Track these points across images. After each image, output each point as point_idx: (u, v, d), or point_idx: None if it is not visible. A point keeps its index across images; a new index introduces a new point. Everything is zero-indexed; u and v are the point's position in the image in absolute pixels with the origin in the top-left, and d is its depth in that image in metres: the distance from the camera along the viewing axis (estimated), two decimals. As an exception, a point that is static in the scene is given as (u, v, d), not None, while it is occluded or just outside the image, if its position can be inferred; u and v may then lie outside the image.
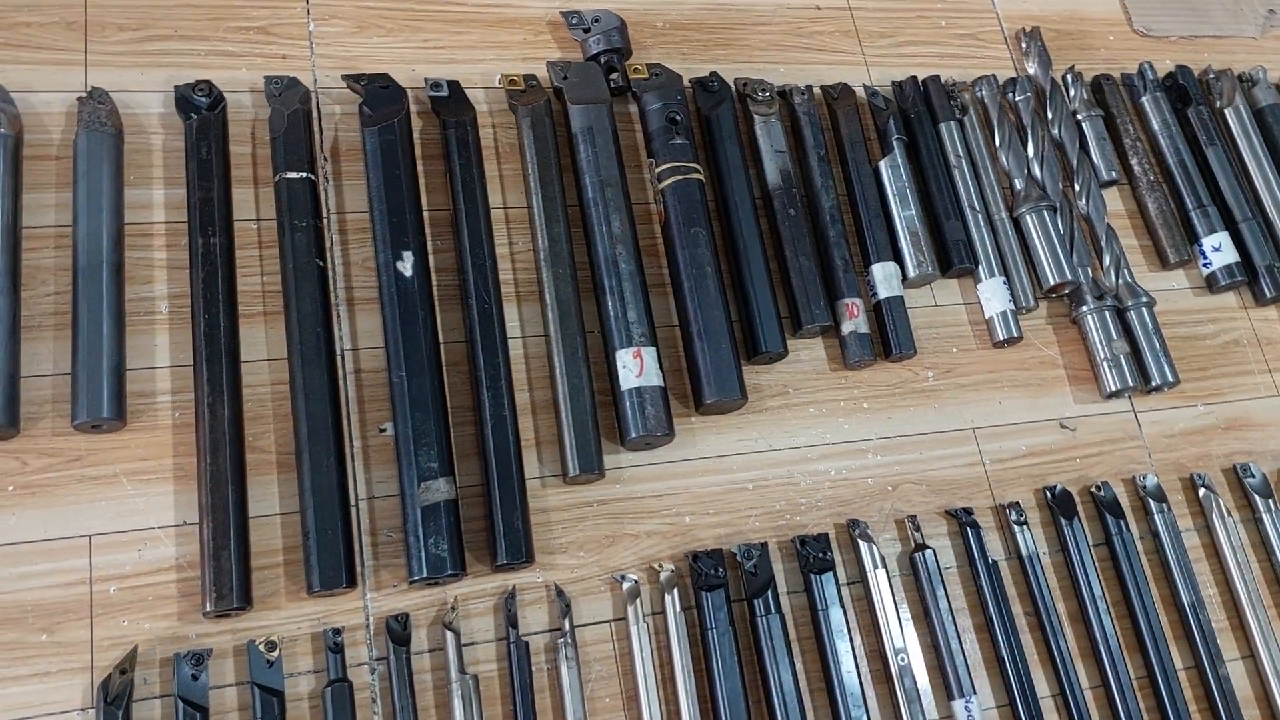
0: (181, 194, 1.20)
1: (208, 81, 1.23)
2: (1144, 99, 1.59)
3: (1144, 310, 1.42)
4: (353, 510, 1.12)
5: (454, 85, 1.31)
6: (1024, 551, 1.28)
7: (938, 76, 1.51)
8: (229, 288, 1.15)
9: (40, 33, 1.24)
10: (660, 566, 1.18)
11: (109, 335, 1.10)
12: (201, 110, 1.22)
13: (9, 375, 1.07)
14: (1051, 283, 1.41)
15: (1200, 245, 1.51)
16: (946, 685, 1.20)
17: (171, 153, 1.23)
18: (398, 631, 1.09)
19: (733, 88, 1.43)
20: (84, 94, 1.20)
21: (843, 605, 1.19)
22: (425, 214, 1.26)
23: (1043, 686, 1.24)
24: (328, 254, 1.22)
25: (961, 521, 1.28)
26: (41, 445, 1.08)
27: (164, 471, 1.10)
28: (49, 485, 1.07)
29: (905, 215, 1.39)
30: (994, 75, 1.54)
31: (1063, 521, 1.31)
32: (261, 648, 1.05)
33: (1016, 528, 1.29)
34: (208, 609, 1.03)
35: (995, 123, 1.50)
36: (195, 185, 1.18)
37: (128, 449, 1.10)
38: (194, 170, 1.19)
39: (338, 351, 1.18)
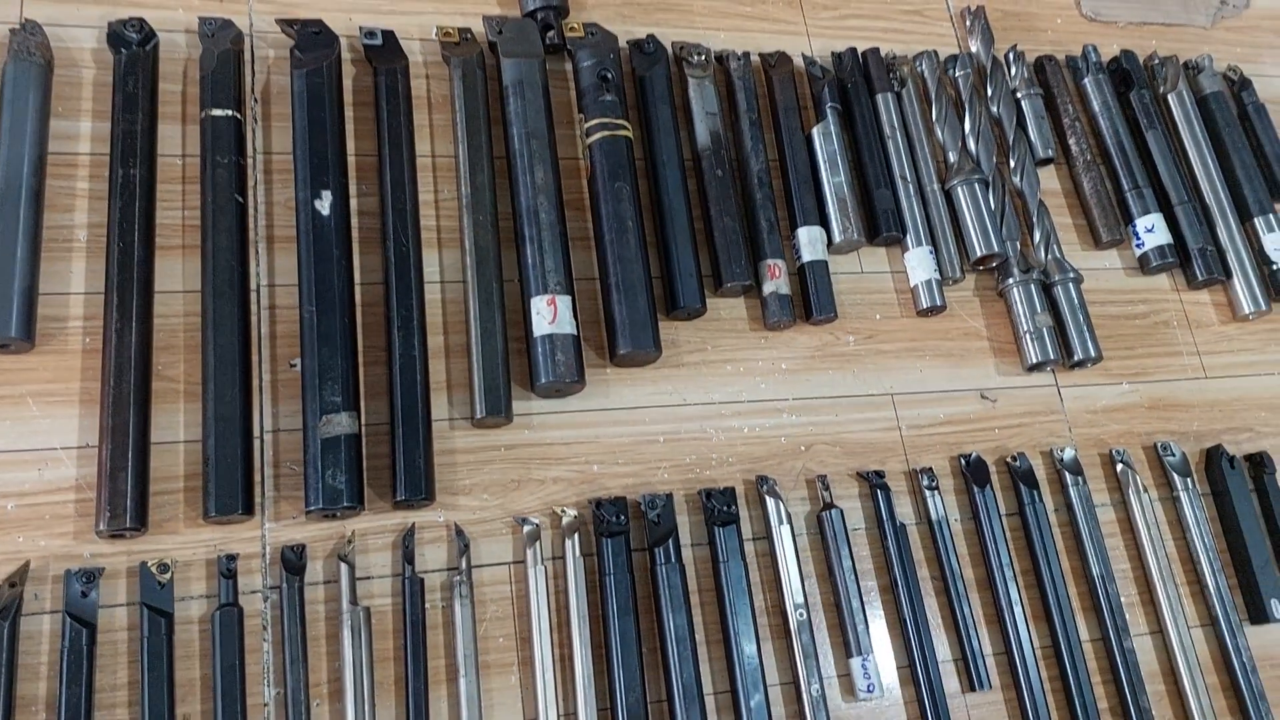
0: (108, 128, 1.21)
1: (140, 19, 1.24)
2: (1086, 80, 1.60)
3: (1070, 286, 1.43)
4: (256, 442, 1.13)
5: (388, 35, 1.33)
6: (934, 516, 1.29)
7: (877, 49, 1.52)
8: (146, 218, 1.16)
9: (-22, -35, 1.26)
10: (562, 511, 1.18)
11: (22, 258, 1.11)
12: (132, 46, 1.23)
13: (-80, 292, 1.08)
14: (979, 254, 1.42)
15: (1134, 226, 1.52)
16: (846, 644, 1.20)
17: (101, 87, 1.24)
18: (293, 561, 1.10)
19: (669, 51, 1.44)
20: (16, 26, 1.22)
21: (744, 559, 1.19)
22: (352, 159, 1.28)
23: (944, 650, 1.24)
24: (250, 192, 1.24)
25: (872, 484, 1.29)
26: (-51, 363, 1.10)
27: (70, 395, 1.12)
28: (-46, 402, 1.09)
29: (834, 181, 1.40)
30: (935, 51, 1.55)
31: (975, 489, 1.31)
32: (153, 569, 1.06)
33: (928, 492, 1.30)
34: (100, 528, 1.04)
35: (933, 97, 1.51)
36: (120, 118, 1.19)
37: (35, 371, 1.12)
38: (119, 103, 1.20)
39: (253, 287, 1.20)
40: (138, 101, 1.20)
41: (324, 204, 1.20)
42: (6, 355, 1.11)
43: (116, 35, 1.24)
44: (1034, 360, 1.39)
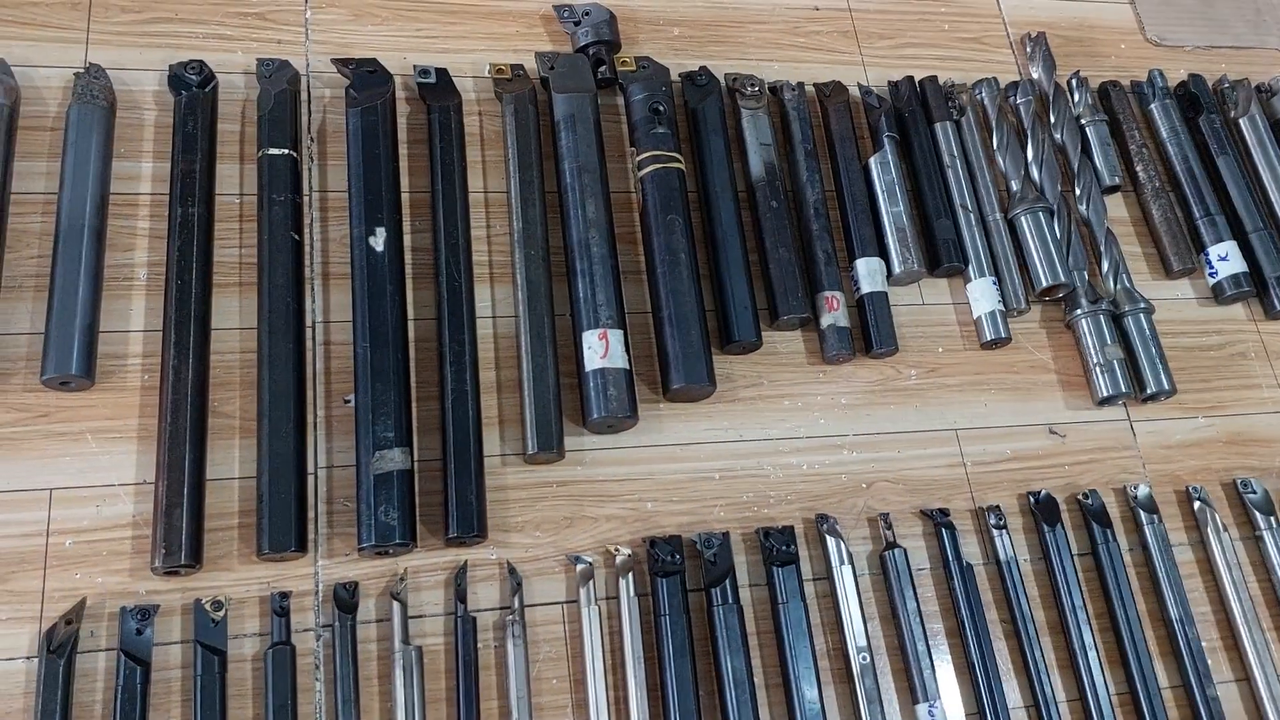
0: (169, 168, 1.23)
1: (200, 61, 1.27)
2: (1152, 106, 1.56)
3: (1141, 316, 1.38)
4: (310, 478, 1.13)
5: (442, 73, 1.34)
6: (1002, 557, 1.24)
7: (935, 77, 1.49)
8: (204, 256, 1.17)
9: (46, 12, 1.29)
10: (616, 550, 1.16)
11: (84, 296, 1.12)
12: (193, 88, 1.25)
13: (-16, 331, 1.10)
14: (1044, 284, 1.38)
15: (1207, 254, 1.46)
16: (911, 689, 1.16)
17: (163, 129, 1.26)
18: (345, 599, 1.09)
19: (722, 83, 1.43)
20: (81, 70, 1.24)
21: (804, 600, 1.16)
22: (406, 196, 1.28)
23: (1015, 697, 1.19)
24: (306, 229, 1.24)
25: (937, 522, 1.25)
26: (11, 400, 1.11)
27: (129, 431, 1.12)
28: (15, 439, 1.10)
29: (893, 211, 1.37)
30: (994, 78, 1.52)
31: (1045, 528, 1.26)
32: (207, 606, 1.05)
33: (995, 532, 1.25)
34: (156, 564, 1.04)
35: (994, 124, 1.48)
36: (179, 158, 1.21)
37: (95, 408, 1.13)
38: (179, 143, 1.22)
39: (308, 324, 1.20)
40: (197, 142, 1.22)
41: (378, 240, 1.20)
42: (67, 392, 1.12)
43: (177, 78, 1.26)
44: (1105, 394, 1.34)
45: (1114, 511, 1.31)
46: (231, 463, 1.13)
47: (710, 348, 1.24)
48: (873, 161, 1.40)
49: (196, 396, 1.11)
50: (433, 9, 1.42)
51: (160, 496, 1.06)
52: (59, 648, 1.01)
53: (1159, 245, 1.48)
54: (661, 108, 1.34)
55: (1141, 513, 1.30)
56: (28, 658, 1.02)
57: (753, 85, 1.41)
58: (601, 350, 1.19)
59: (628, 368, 1.20)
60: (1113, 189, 1.50)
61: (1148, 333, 1.38)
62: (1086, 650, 1.21)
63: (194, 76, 1.26)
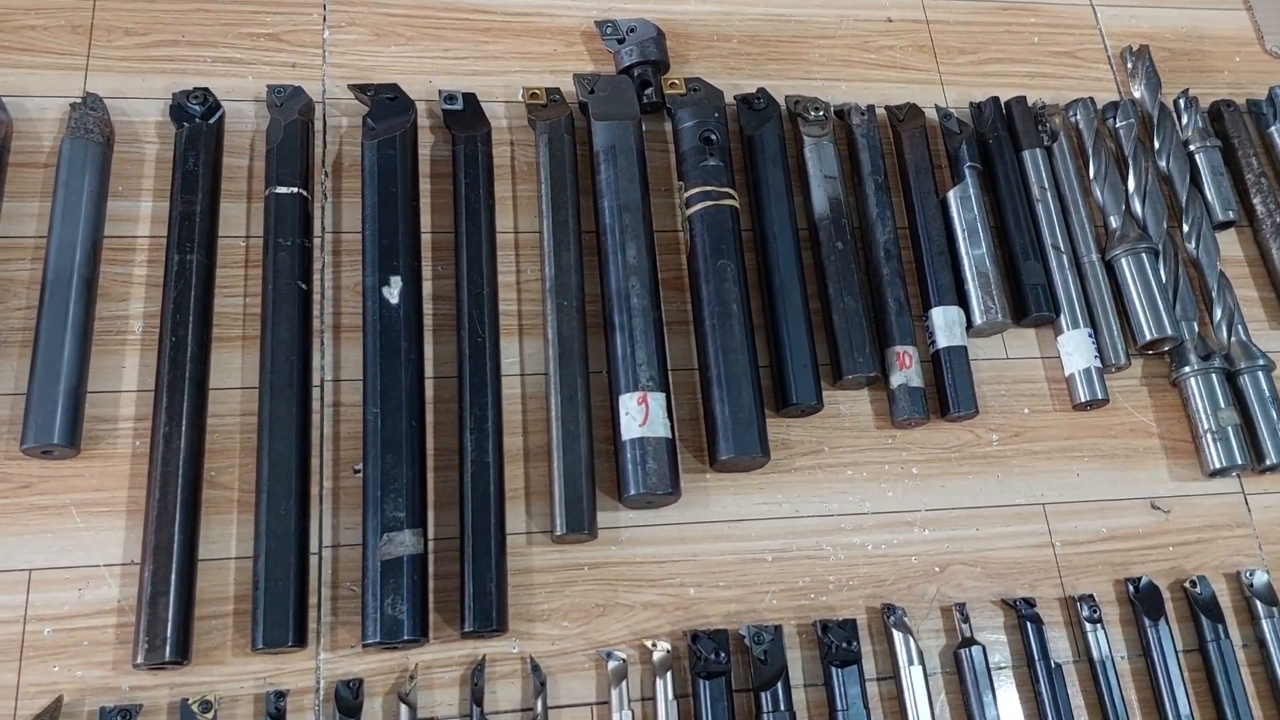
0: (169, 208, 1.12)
1: (204, 89, 1.16)
2: (1273, 128, 1.37)
3: (1260, 374, 1.21)
4: (313, 559, 1.02)
5: (470, 98, 1.21)
6: (1096, 655, 1.08)
7: (1023, 98, 1.33)
8: (202, 308, 1.07)
9: (44, 36, 1.19)
10: (654, 645, 1.03)
11: (70, 355, 1.02)
12: (195, 119, 1.14)
13: (-39, 393, 1.00)
14: (1148, 338, 1.21)
15: (1336, 300, 1.28)
16: (990, 810, 1.01)
17: (164, 163, 1.16)
18: (348, 700, 0.97)
19: (782, 106, 1.28)
20: (77, 100, 1.14)
21: (867, 705, 1.02)
22: (427, 237, 1.16)
23: (1111, 820, 1.04)
24: (317, 276, 1.13)
25: (1021, 614, 1.09)
26: (-8, 469, 1.01)
27: (117, 504, 1.02)
28: (-6, 513, 1.00)
29: (974, 253, 1.21)
30: (1091, 98, 1.35)
31: (1146, 621, 1.10)
32: (194, 708, 0.95)
33: (1088, 625, 1.10)
34: (138, 661, 0.93)
35: (1090, 151, 1.31)
36: (178, 198, 1.10)
37: (82, 478, 1.02)
38: (178, 182, 1.11)
39: (316, 383, 1.08)
40: (198, 179, 1.11)
41: (393, 291, 1.08)
42: (50, 461, 1.02)
43: (179, 107, 1.15)
44: (1216, 465, 1.18)
45: (1226, 601, 1.14)
46: (228, 540, 1.02)
47: (764, 412, 1.10)
48: (952, 195, 1.24)
49: (189, 467, 1.00)
50: (462, 27, 1.29)
51: (145, 583, 0.96)
52: (31, 753, 0.91)
53: (1279, 290, 1.30)
54: (714, 136, 1.20)
55: (1259, 604, 1.13)
56: (-2, 762, 0.92)
57: (817, 109, 1.26)
58: (641, 416, 1.06)
59: (669, 436, 1.06)
60: (1226, 225, 1.32)
61: (1267, 394, 1.21)
62: (1194, 766, 1.05)
63: (197, 106, 1.15)
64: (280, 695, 0.96)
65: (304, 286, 1.09)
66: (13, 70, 1.17)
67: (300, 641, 0.96)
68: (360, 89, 1.18)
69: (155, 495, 0.99)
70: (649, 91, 1.24)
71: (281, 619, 0.96)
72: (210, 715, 0.95)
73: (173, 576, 0.96)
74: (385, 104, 1.18)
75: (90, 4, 1.22)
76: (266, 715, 0.95)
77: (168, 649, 0.94)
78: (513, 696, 1.00)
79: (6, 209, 1.10)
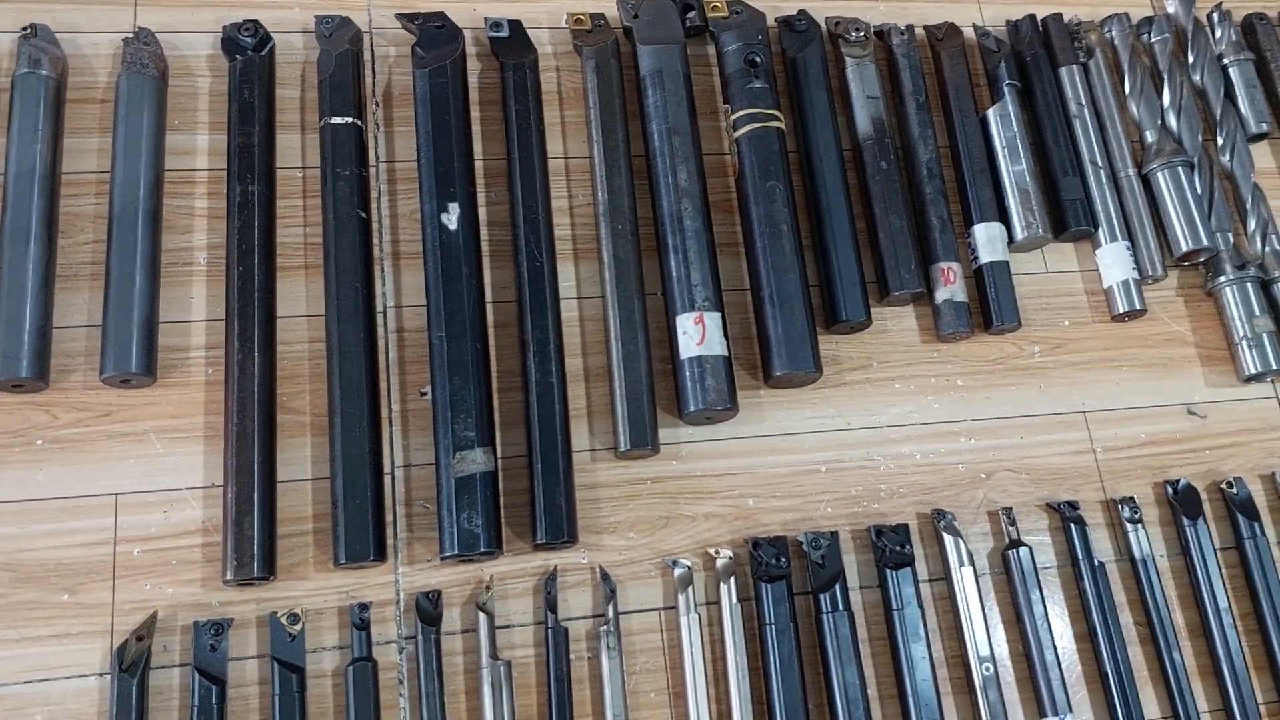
0: (225, 141, 1.14)
1: (255, 21, 1.17)
2: (1305, 39, 1.39)
3: (1294, 283, 1.24)
4: (387, 479, 1.05)
5: (515, 25, 1.22)
6: (1137, 553, 1.13)
7: (1059, 15, 1.34)
8: (266, 239, 1.09)
9: (91, -29, 1.20)
10: (717, 552, 1.07)
11: (141, 287, 1.04)
12: (248, 51, 1.16)
13: (39, 327, 1.02)
14: (1184, 249, 1.24)
15: (1368, 209, 1.31)
16: (1039, 700, 1.06)
17: (218, 96, 1.17)
18: (428, 610, 1.01)
19: (823, 28, 1.29)
20: (130, 35, 1.15)
21: (921, 605, 1.06)
22: (480, 163, 1.18)
23: (1152, 708, 1.09)
24: (374, 205, 1.15)
25: (1065, 517, 1.14)
26: (72, 399, 1.04)
27: (195, 430, 1.05)
28: (78, 441, 1.03)
29: (1014, 170, 1.23)
30: (1126, 14, 1.36)
31: (1185, 521, 1.15)
32: (284, 620, 0.99)
33: (1129, 526, 1.14)
34: (228, 577, 0.97)
35: (1126, 67, 1.32)
36: (236, 130, 1.12)
37: (159, 405, 1.06)
38: (235, 114, 1.12)
39: (379, 309, 1.11)
40: (254, 112, 1.12)
41: (451, 217, 1.10)
42: (129, 390, 1.05)
43: (231, 40, 1.16)
44: (1251, 370, 1.21)
45: (1261, 501, 1.19)
46: (304, 463, 1.05)
47: (815, 329, 1.13)
48: (991, 114, 1.26)
49: (264, 394, 1.03)
50: (503, -47, 1.29)
51: (229, 504, 0.99)
52: (131, 665, 0.95)
53: (1312, 200, 1.33)
54: (758, 59, 1.21)
55: (1293, 503, 1.18)
56: (100, 674, 0.96)
57: (858, 30, 1.27)
58: (698, 336, 1.09)
59: (726, 354, 1.09)
60: (1260, 136, 1.34)
61: (1301, 301, 1.24)
62: (1232, 656, 1.10)
63: (249, 39, 1.16)
64: (364, 607, 1.00)
65: (364, 215, 1.11)
66: (61, 6, 1.18)
67: (380, 556, 1.00)
68: (408, 18, 1.19)
69: (234, 420, 1.02)
70: (691, 15, 1.25)
71: (361, 535, 1.00)
72: (298, 627, 0.99)
73: (255, 496, 0.99)
74: (433, 32, 1.19)
75: (134, -62, 1.22)
76: (352, 625, 1.00)
77: (255, 565, 0.98)
78: (584, 604, 1.05)
79: (68, 145, 1.12)
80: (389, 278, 1.13)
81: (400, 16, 1.20)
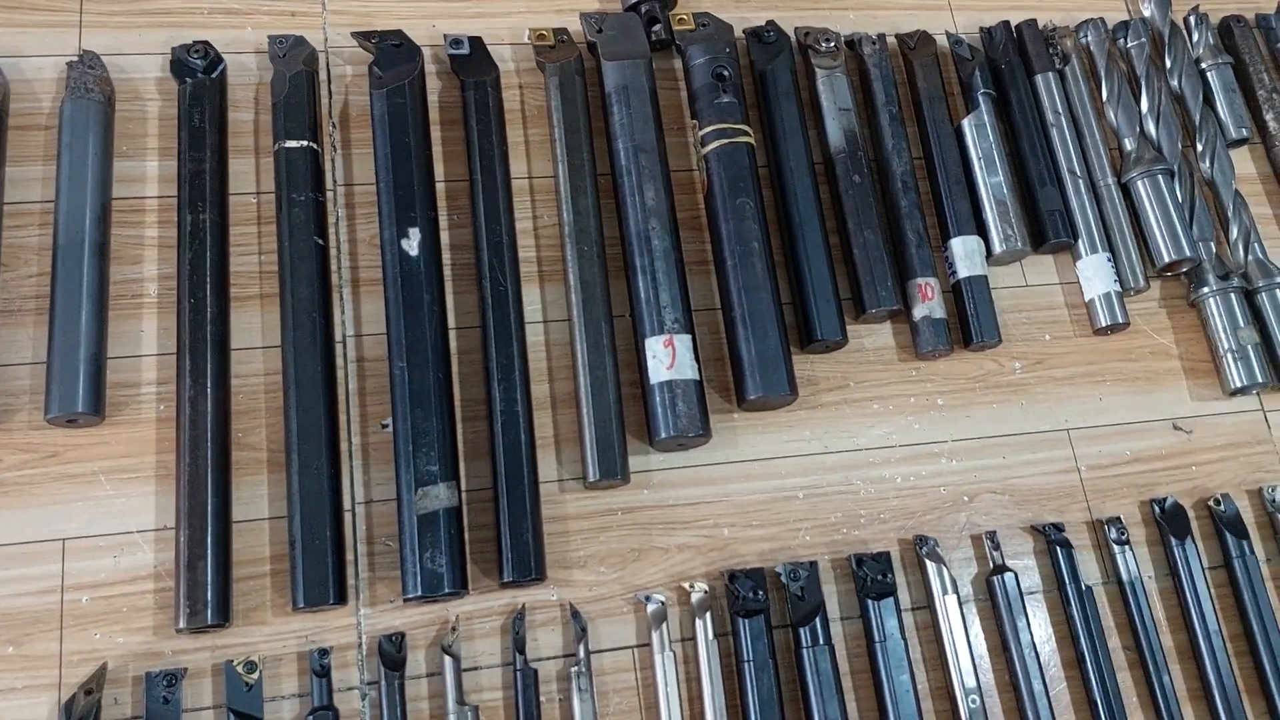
0: (176, 167, 1.10)
1: (205, 43, 1.13)
2: (1284, 42, 1.37)
3: (1278, 292, 1.21)
4: (347, 516, 1.01)
5: (476, 42, 1.18)
6: (1125, 575, 1.10)
7: (1034, 20, 1.31)
8: (219, 268, 1.05)
9: (34, -7, 1.16)
10: (691, 586, 1.03)
11: (87, 322, 1.00)
12: (198, 74, 1.11)
13: (-20, 365, 0.98)
14: (1166, 260, 1.21)
15: (1351, 214, 1.28)
16: (1026, 730, 1.03)
17: (168, 121, 1.13)
18: (391, 654, 0.98)
19: (793, 38, 1.26)
20: (74, 58, 1.11)
21: (904, 635, 1.03)
22: (442, 185, 1.14)
23: (1143, 735, 1.06)
24: (331, 231, 1.11)
25: (1050, 539, 1.10)
26: (17, 440, 1.00)
27: (146, 470, 1.01)
28: (23, 484, 0.99)
29: (991, 182, 1.20)
30: (1101, 19, 1.33)
31: (1173, 541, 1.12)
32: (240, 669, 0.95)
33: (1116, 547, 1.11)
34: (180, 625, 0.93)
35: (1103, 73, 1.30)
36: (186, 156, 1.08)
37: (108, 445, 1.01)
38: (185, 139, 1.08)
39: (338, 338, 1.07)
40: (205, 137, 1.08)
41: (411, 243, 1.06)
42: (76, 430, 1.01)
43: (180, 62, 1.12)
44: (1237, 384, 1.18)
45: (1250, 518, 1.16)
46: (260, 501, 1.01)
47: (789, 349, 1.09)
48: (966, 124, 1.23)
49: (217, 430, 0.99)
50: (463, -32, 1.26)
51: (182, 548, 0.95)
52: (80, 720, 0.91)
53: (1295, 206, 1.30)
54: (726, 73, 1.18)
55: (1282, 519, 1.15)
56: (47, 730, 0.92)
57: (828, 40, 1.24)
58: (668, 359, 1.05)
59: (697, 378, 1.06)
60: (1240, 142, 1.32)
61: (1286, 311, 1.21)
62: (1223, 678, 1.07)
63: (198, 60, 1.12)
64: (324, 652, 0.96)
65: (320, 242, 1.07)
66: (4, 30, 1.14)
67: (340, 598, 0.96)
68: (365, 36, 1.15)
69: (186, 459, 0.98)
70: (657, 28, 1.22)
71: (321, 577, 0.96)
72: (255, 675, 0.95)
73: (209, 539, 0.95)
74: (391, 51, 1.15)
75: (78, -42, 1.18)
76: (311, 672, 0.96)
77: (209, 612, 0.94)
78: (554, 643, 1.01)
79: (10, 174, 1.08)
80: (348, 305, 1.09)
81: (357, 35, 1.16)
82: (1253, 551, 1.13)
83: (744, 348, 1.08)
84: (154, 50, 1.16)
